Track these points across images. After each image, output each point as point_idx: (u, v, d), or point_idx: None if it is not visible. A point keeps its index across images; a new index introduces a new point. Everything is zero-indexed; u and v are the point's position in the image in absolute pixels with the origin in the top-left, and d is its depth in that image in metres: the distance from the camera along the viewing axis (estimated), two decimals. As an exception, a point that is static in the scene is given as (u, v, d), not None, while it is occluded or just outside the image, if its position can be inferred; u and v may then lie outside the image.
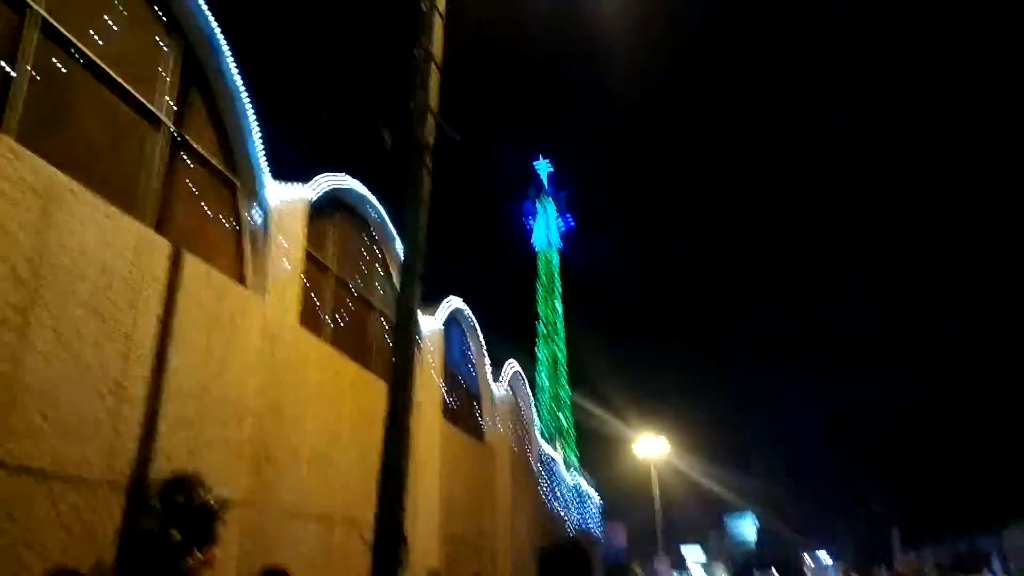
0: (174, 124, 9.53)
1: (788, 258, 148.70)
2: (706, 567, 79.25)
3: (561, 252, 72.16)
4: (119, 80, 8.65)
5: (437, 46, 8.65)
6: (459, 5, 9.36)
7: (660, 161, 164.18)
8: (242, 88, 10.45)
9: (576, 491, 42.56)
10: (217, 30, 10.06)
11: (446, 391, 19.59)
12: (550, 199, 73.47)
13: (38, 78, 7.60)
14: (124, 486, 7.80)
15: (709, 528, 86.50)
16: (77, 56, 8.12)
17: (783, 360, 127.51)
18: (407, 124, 8.16)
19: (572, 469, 46.31)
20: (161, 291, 8.58)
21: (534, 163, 75.75)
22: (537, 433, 32.97)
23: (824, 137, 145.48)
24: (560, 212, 73.24)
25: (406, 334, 7.44)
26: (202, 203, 10.09)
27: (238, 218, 10.85)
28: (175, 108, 9.60)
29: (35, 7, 7.56)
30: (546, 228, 72.25)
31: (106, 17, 8.55)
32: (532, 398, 32.01)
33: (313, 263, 12.96)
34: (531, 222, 73.09)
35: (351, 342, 13.74)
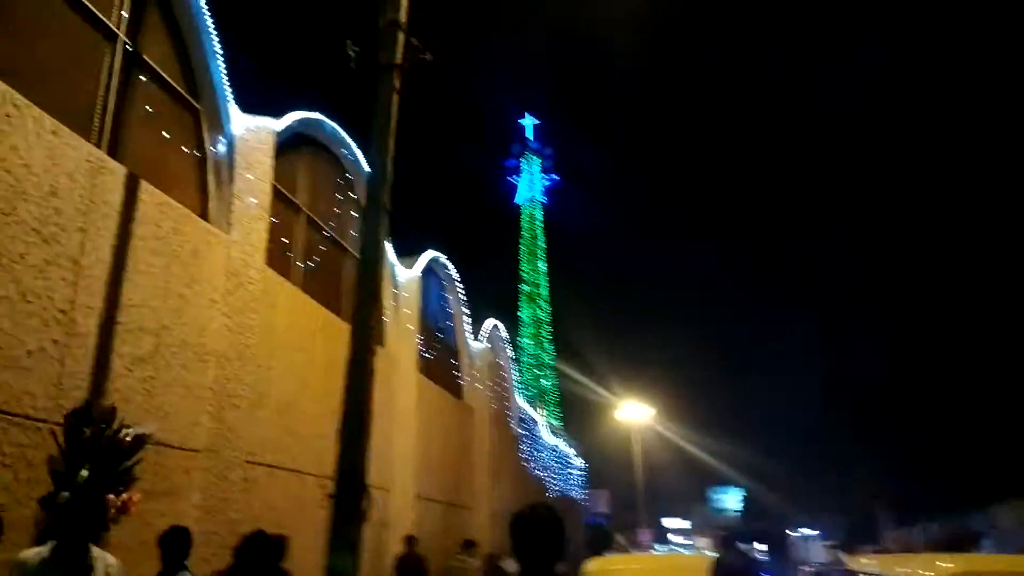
0: (129, 39, 8.82)
1: (781, 216, 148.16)
2: (688, 539, 79.51)
3: (545, 208, 71.58)
4: (67, -13, 7.95)
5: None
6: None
7: (648, 116, 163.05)
8: (204, 6, 9.74)
9: (558, 455, 42.25)
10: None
11: (423, 345, 19.05)
12: (535, 156, 72.68)
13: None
14: (72, 425, 7.23)
15: (693, 502, 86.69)
16: (19, -43, 7.42)
17: (775, 328, 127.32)
18: (375, 42, 7.52)
19: (554, 432, 46.04)
20: (114, 218, 7.95)
21: (519, 120, 74.90)
22: (517, 393, 32.56)
23: (817, 90, 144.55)
24: (545, 169, 72.55)
25: (371, 269, 6.86)
26: (161, 129, 9.42)
27: (201, 148, 10.18)
28: (131, 21, 8.88)
29: None
30: (530, 185, 71.56)
31: (52, -83, 7.83)
32: (513, 358, 31.57)
33: (283, 201, 12.32)
34: (515, 179, 72.43)
35: (323, 287, 13.13)
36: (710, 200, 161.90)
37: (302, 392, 11.81)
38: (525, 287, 67.42)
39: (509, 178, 73.41)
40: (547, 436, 40.56)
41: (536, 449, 35.81)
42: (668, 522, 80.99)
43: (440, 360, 21.43)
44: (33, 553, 4.67)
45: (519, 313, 66.70)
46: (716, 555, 8.63)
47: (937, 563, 6.61)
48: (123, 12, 8.71)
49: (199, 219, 9.52)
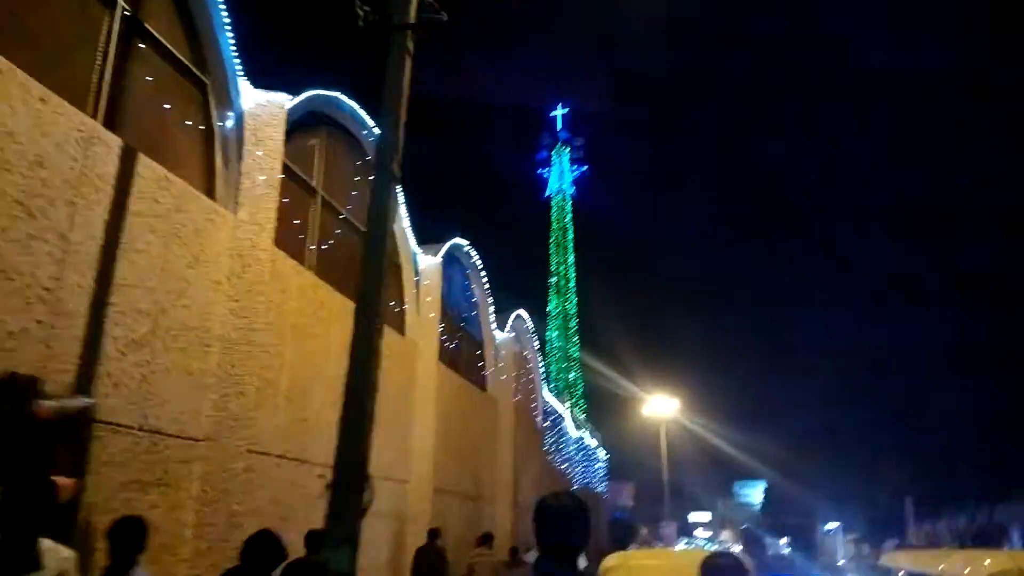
0: (129, 5, 8.35)
1: (815, 207, 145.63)
2: (712, 533, 78.83)
3: (575, 199, 70.92)
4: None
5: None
6: None
7: (680, 110, 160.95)
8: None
9: (582, 447, 41.72)
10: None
11: (445, 335, 18.56)
12: (566, 147, 71.97)
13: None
14: (58, 411, 6.79)
15: (717, 495, 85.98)
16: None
17: (801, 321, 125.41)
18: (387, 1, 7.00)
19: (579, 425, 45.49)
20: (108, 192, 7.49)
21: (551, 113, 74.14)
22: (543, 385, 32.02)
23: (848, 88, 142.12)
24: (575, 159, 71.81)
25: (378, 238, 6.35)
26: (163, 102, 8.95)
27: (208, 123, 9.71)
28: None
29: None
30: (560, 177, 70.92)
31: None
32: (539, 350, 31.02)
33: (297, 183, 11.83)
34: (546, 172, 71.80)
35: (339, 273, 12.61)
36: (742, 193, 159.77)
37: (315, 380, 11.34)
38: (554, 279, 66.85)
39: (539, 171, 72.89)
40: (572, 429, 40.02)
41: (561, 442, 35.28)
42: (693, 516, 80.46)
43: (463, 350, 20.94)
44: None
45: (548, 307, 66.18)
46: (739, 549, 8.10)
47: (985, 561, 6.09)
48: (122, -26, 8.24)
49: (203, 196, 9.04)
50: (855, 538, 63.84)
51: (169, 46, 9.02)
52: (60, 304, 6.84)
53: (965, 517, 42.37)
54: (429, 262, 17.15)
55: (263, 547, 5.55)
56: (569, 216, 69.40)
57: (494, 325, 23.61)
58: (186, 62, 9.30)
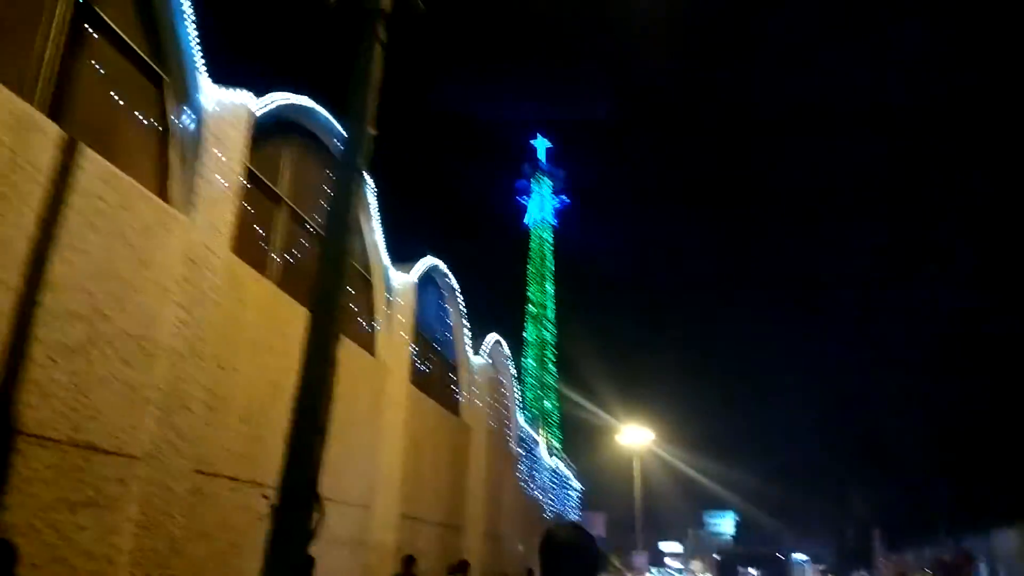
0: (78, -13, 7.80)
1: (786, 248, 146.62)
2: (684, 563, 78.25)
3: (555, 230, 70.66)
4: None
5: None
6: None
7: (658, 145, 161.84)
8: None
9: (556, 476, 41.05)
10: None
11: (418, 356, 17.93)
12: (546, 177, 71.80)
13: None
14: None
15: (688, 526, 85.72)
16: None
17: (776, 357, 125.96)
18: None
19: (553, 454, 44.82)
20: (44, 185, 6.89)
21: (531, 141, 74.03)
22: (519, 412, 31.37)
23: (824, 117, 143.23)
24: (556, 190, 71.67)
25: (338, 236, 5.79)
26: (115, 94, 8.36)
27: (164, 120, 9.13)
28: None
29: None
30: (540, 206, 70.67)
31: None
32: (515, 376, 30.40)
33: (261, 189, 11.25)
34: (525, 200, 71.54)
35: (306, 286, 11.93)
36: (715, 225, 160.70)
37: (275, 399, 10.66)
38: (532, 308, 66.29)
39: (519, 199, 72.65)
40: (546, 457, 39.37)
41: (535, 470, 34.63)
42: (664, 546, 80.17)
43: (436, 374, 20.30)
44: None
45: (524, 334, 65.58)
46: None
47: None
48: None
49: (153, 196, 8.41)
50: (823, 569, 63.44)
51: (124, 36, 8.45)
52: (-19, 303, 6.22)
53: (932, 549, 42.15)
54: (403, 280, 16.57)
55: None
56: (549, 246, 69.08)
57: (470, 349, 23.00)
58: (142, 54, 8.73)
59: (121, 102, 8.46)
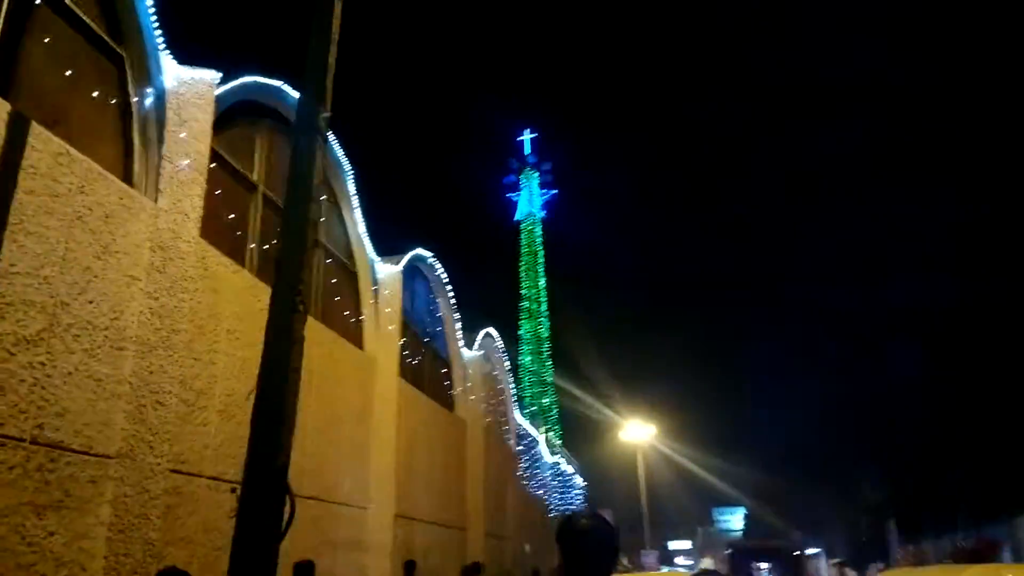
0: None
1: (783, 233, 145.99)
2: (693, 559, 77.67)
3: (545, 223, 70.31)
4: None
5: None
6: None
7: (649, 131, 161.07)
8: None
9: (557, 472, 40.53)
10: None
11: (408, 350, 17.43)
12: (533, 171, 71.45)
13: None
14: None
15: (696, 523, 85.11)
16: None
17: (779, 343, 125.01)
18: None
19: (554, 450, 44.30)
20: (-10, 164, 6.41)
21: (518, 138, 73.65)
22: (515, 407, 30.87)
23: (819, 103, 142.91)
24: (544, 183, 71.34)
25: (300, 202, 5.29)
26: (70, 72, 7.87)
27: (124, 99, 8.63)
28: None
29: None
30: (529, 201, 70.33)
31: None
32: (511, 370, 29.93)
33: (234, 176, 10.78)
34: (515, 196, 71.18)
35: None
36: (714, 216, 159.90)
37: (257, 394, 10.19)
38: (525, 304, 65.91)
39: (508, 195, 72.35)
40: (547, 454, 38.86)
41: (535, 467, 34.11)
42: (672, 544, 79.49)
43: (428, 368, 19.81)
44: None
45: (519, 331, 65.19)
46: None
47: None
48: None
49: (113, 178, 7.91)
50: (838, 562, 62.82)
51: (78, 11, 7.96)
52: (-78, 291, 5.73)
53: (951, 538, 41.42)
54: (389, 271, 16.09)
55: None
56: (539, 240, 68.74)
57: (462, 343, 22.52)
58: (98, 30, 8.24)
59: (77, 79, 7.97)
